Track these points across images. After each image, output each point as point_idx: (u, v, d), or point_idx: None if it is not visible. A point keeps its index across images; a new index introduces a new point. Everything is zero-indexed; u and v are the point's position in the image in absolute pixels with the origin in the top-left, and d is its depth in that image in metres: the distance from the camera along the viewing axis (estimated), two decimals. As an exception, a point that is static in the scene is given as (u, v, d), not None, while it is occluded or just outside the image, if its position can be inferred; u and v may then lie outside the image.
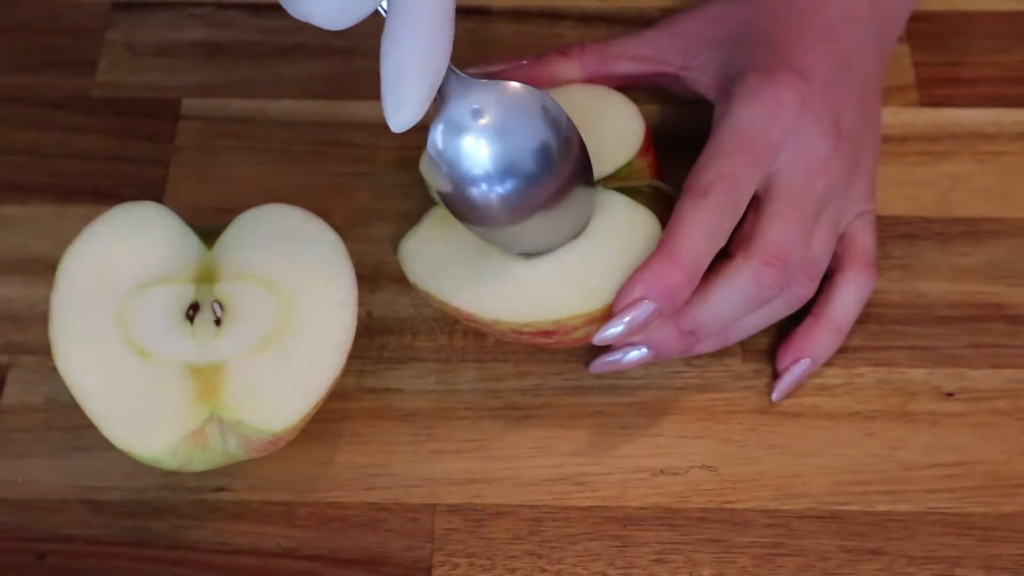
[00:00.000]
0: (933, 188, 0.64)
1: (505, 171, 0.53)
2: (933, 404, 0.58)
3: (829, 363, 0.59)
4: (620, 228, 0.56)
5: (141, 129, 0.66)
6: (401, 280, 0.59)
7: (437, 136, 0.53)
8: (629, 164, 0.58)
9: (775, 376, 0.58)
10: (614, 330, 0.54)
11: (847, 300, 0.59)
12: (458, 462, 0.57)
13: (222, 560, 0.54)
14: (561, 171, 0.54)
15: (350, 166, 0.64)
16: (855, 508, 0.56)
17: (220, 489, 0.56)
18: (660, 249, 0.54)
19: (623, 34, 0.64)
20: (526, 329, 0.55)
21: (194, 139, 0.65)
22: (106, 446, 0.52)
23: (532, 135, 0.54)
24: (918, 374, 0.59)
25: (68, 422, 0.57)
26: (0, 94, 0.67)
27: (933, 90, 0.67)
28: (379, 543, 0.55)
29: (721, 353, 0.59)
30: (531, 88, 0.54)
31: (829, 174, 0.57)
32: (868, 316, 0.60)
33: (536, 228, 0.55)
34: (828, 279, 0.59)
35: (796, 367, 0.58)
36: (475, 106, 0.53)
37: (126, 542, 0.55)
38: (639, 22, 0.69)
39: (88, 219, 0.56)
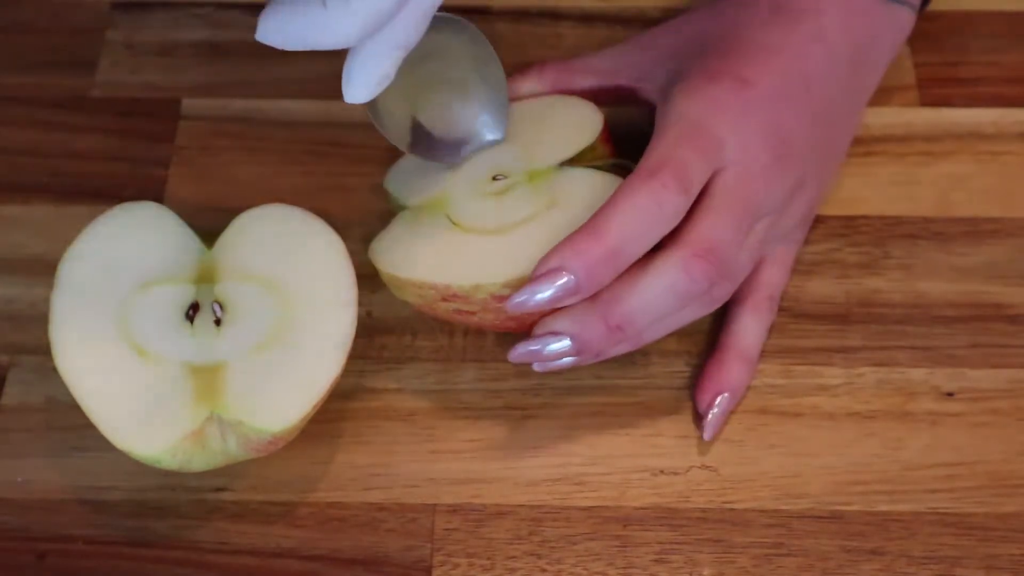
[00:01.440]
0: (933, 188, 0.64)
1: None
2: (933, 404, 0.58)
3: (829, 363, 0.59)
4: (584, 192, 0.56)
5: (141, 129, 0.66)
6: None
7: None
8: (592, 148, 0.58)
9: (699, 415, 0.57)
10: (522, 298, 0.52)
11: (751, 331, 0.58)
12: (458, 462, 0.57)
13: (222, 560, 0.54)
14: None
15: (350, 166, 0.64)
16: (855, 508, 0.56)
17: (220, 489, 0.56)
18: (586, 224, 0.53)
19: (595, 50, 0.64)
20: (506, 291, 0.54)
21: (194, 139, 0.65)
22: (106, 446, 0.52)
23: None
24: (918, 374, 0.59)
25: (68, 422, 0.57)
26: (0, 94, 0.67)
27: (933, 90, 0.67)
28: (379, 543, 0.55)
29: (721, 353, 0.59)
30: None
31: (768, 184, 0.56)
32: (868, 316, 0.60)
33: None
34: (730, 308, 0.58)
35: (718, 403, 0.57)
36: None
37: (126, 542, 0.55)
38: (639, 22, 0.69)
39: (88, 219, 0.56)
